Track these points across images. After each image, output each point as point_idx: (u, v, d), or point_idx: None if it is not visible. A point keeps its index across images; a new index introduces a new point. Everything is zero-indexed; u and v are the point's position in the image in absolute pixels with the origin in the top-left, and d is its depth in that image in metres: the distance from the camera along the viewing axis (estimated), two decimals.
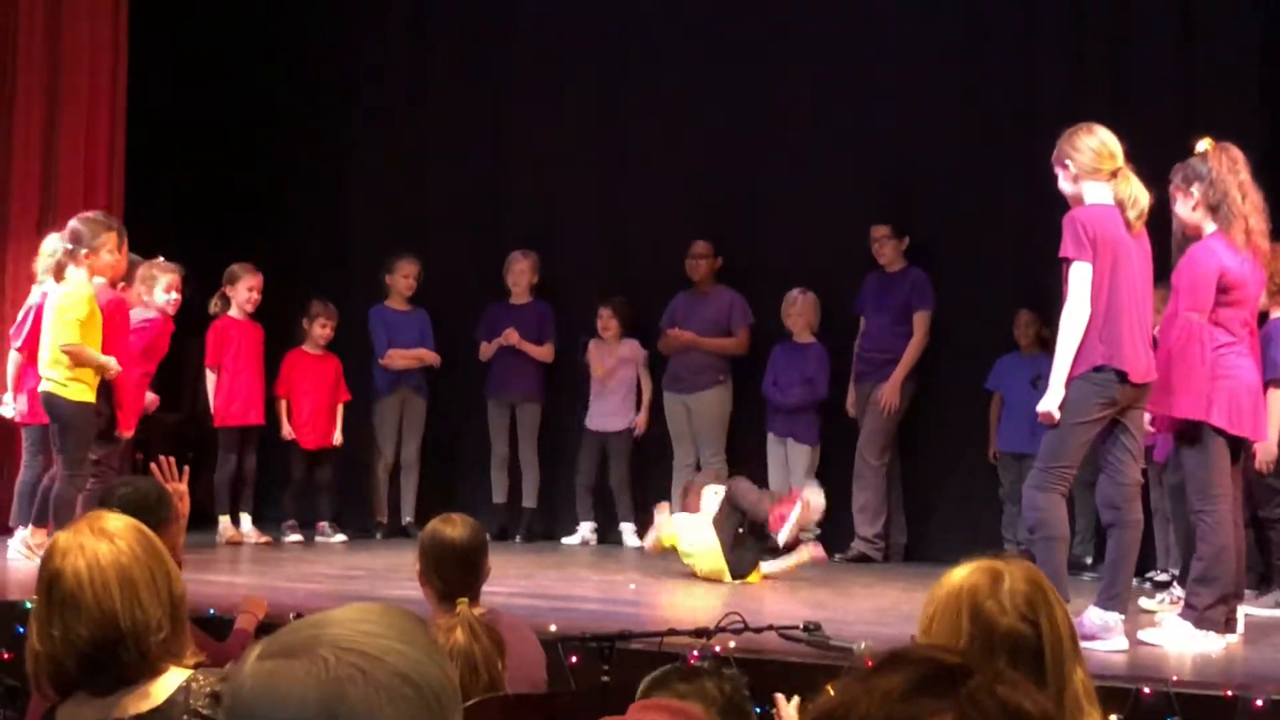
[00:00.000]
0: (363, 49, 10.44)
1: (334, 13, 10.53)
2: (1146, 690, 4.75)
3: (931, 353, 8.91)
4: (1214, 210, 5.83)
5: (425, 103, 10.36)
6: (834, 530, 8.99)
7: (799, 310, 9.16)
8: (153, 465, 4.72)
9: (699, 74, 9.55)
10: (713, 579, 7.53)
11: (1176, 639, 5.68)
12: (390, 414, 9.69)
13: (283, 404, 9.37)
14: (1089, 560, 8.13)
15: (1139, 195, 5.69)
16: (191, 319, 8.94)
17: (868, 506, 8.84)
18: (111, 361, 7.26)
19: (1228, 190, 5.79)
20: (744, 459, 9.23)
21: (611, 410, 9.53)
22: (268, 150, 10.35)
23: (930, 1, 9.21)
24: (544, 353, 9.67)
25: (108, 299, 7.33)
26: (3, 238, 8.90)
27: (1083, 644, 2.65)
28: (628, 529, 9.42)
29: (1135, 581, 6.61)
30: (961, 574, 2.45)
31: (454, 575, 4.27)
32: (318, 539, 9.26)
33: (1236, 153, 5.87)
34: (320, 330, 9.44)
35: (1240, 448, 6.01)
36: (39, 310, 7.49)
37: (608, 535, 9.51)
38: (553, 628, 5.27)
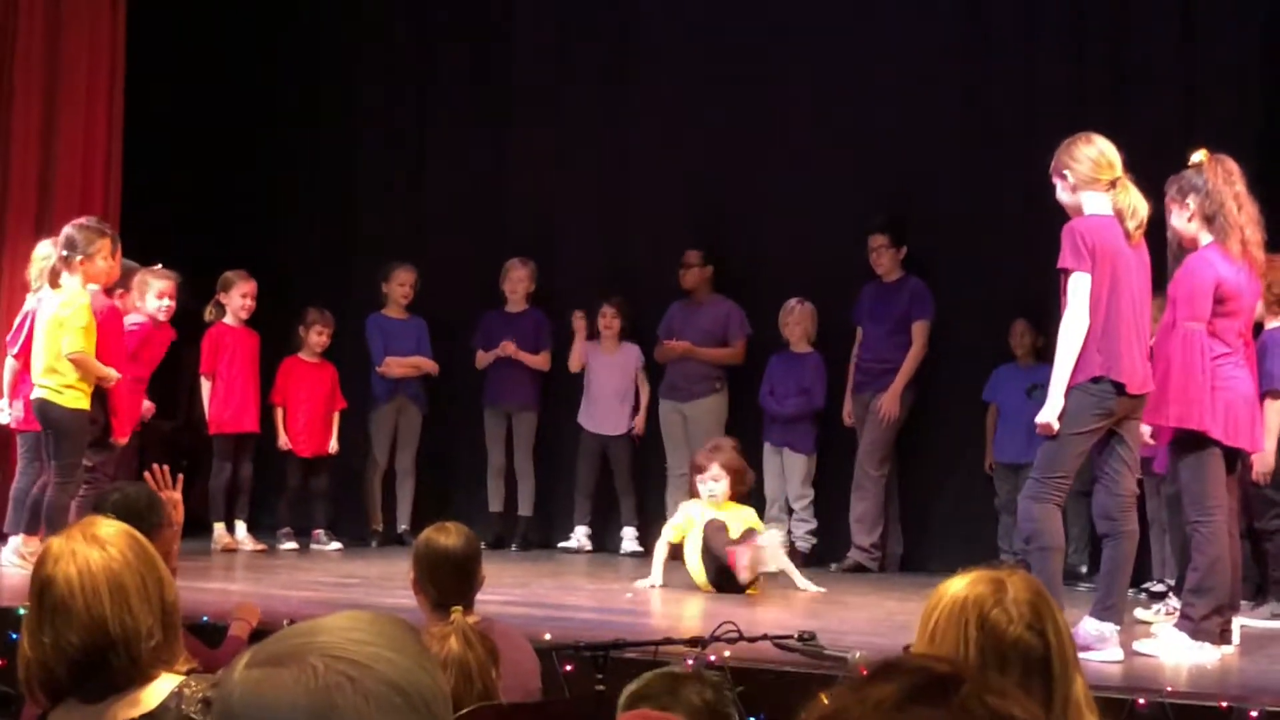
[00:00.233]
0: (362, 55, 10.43)
1: (334, 17, 10.52)
2: (1141, 701, 4.74)
3: (928, 363, 8.90)
4: (1210, 221, 5.83)
5: (424, 109, 10.36)
6: (830, 540, 9.00)
7: (796, 319, 9.15)
8: (146, 474, 4.71)
9: (697, 80, 9.56)
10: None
11: (1172, 650, 5.68)
12: (386, 422, 9.68)
13: (279, 412, 9.36)
14: (1084, 570, 8.12)
15: (1138, 205, 5.69)
16: (187, 326, 8.93)
17: (866, 516, 8.83)
18: (113, 372, 7.28)
19: (1224, 201, 5.80)
20: None
21: (609, 414, 9.51)
22: (266, 156, 10.35)
23: (930, 4, 9.21)
24: (540, 362, 9.66)
25: (102, 306, 7.33)
26: None
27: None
28: (629, 534, 9.41)
29: (1131, 592, 6.61)
30: (962, 584, 2.43)
31: (448, 583, 4.27)
32: (313, 547, 9.25)
33: (1232, 164, 5.88)
34: (316, 338, 9.43)
35: (1236, 459, 6.01)
36: (34, 317, 7.49)
37: (604, 541, 9.49)
38: (547, 636, 5.26)
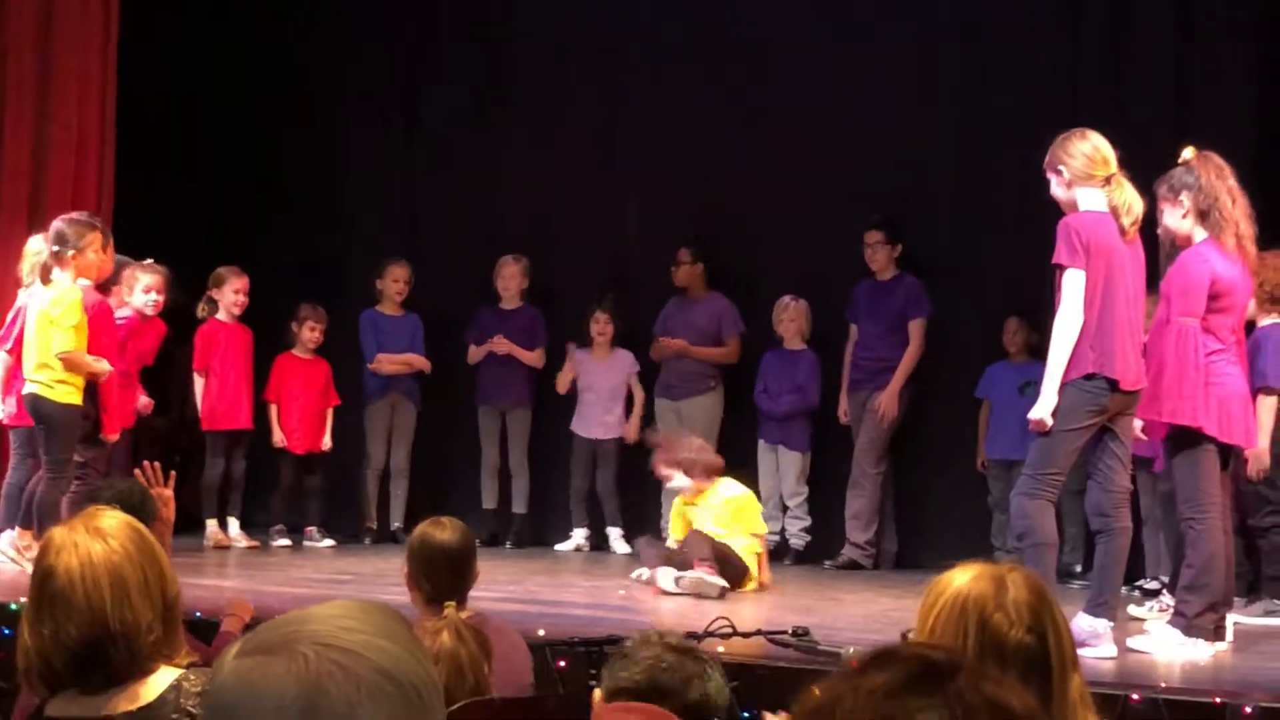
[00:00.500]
0: (358, 50, 10.41)
1: (328, 12, 10.50)
2: (1135, 697, 4.74)
3: (922, 360, 8.90)
4: (1204, 217, 5.83)
5: (419, 105, 10.35)
6: (825, 537, 9.00)
7: (790, 317, 9.15)
8: (137, 470, 4.70)
9: (693, 75, 9.55)
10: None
11: (1165, 646, 5.68)
12: (380, 419, 9.66)
13: (273, 408, 9.35)
14: (1078, 568, 8.13)
15: (1133, 202, 5.68)
16: (180, 323, 8.92)
17: (861, 514, 8.83)
18: (105, 366, 7.26)
19: (1218, 196, 5.79)
20: (735, 466, 9.21)
21: (601, 419, 9.51)
22: (258, 151, 10.33)
23: (926, 6, 9.20)
24: (535, 358, 9.65)
25: (92, 301, 7.31)
26: None
27: None
28: (614, 534, 9.41)
29: (1125, 589, 6.61)
30: (964, 580, 2.43)
31: (443, 579, 4.26)
32: (306, 544, 9.24)
33: (1220, 159, 5.88)
34: (309, 333, 9.42)
35: (1230, 455, 6.01)
36: (26, 313, 7.47)
37: (601, 542, 9.49)
38: (541, 632, 5.27)
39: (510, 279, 9.67)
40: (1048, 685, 2.33)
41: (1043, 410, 5.64)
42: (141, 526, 2.69)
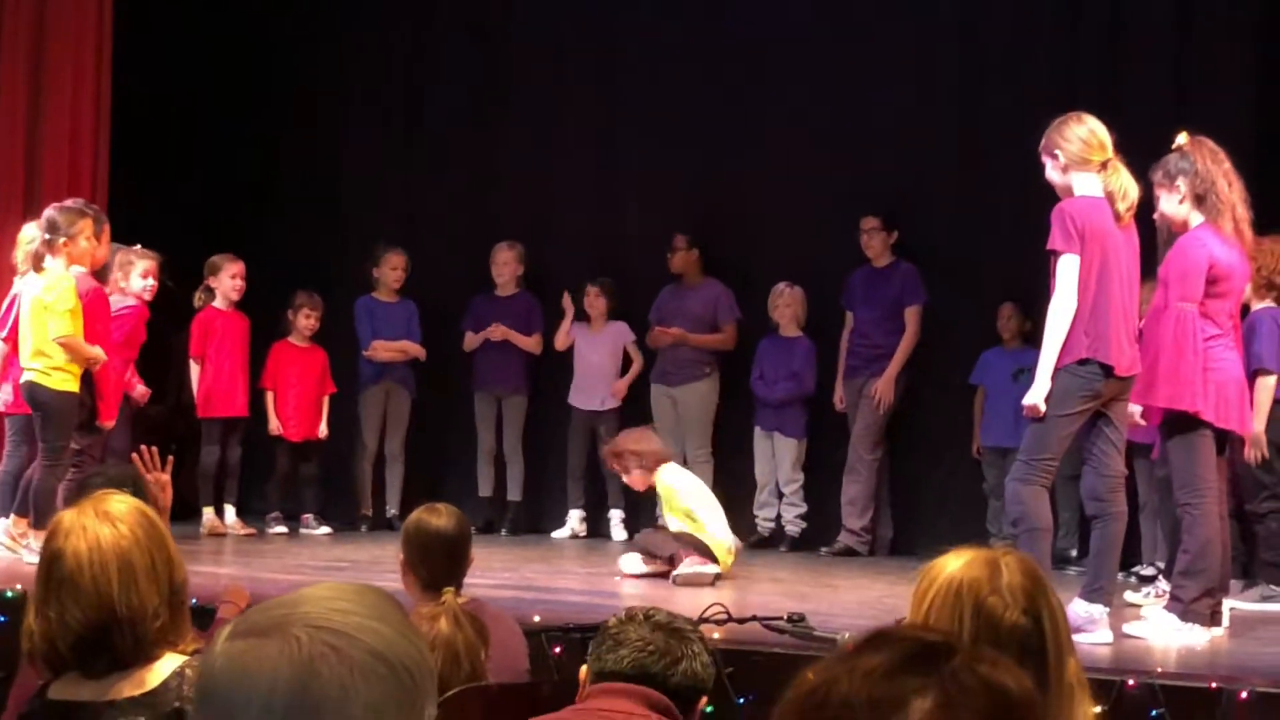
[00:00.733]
0: (355, 39, 10.38)
1: (327, 10, 10.46)
2: (1131, 682, 4.75)
3: (917, 347, 8.90)
4: (1201, 201, 5.82)
5: (416, 94, 10.32)
6: (820, 524, 9.01)
7: (786, 303, 9.14)
8: (134, 455, 4.70)
9: (690, 65, 9.52)
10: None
11: (1161, 631, 5.68)
12: (375, 406, 9.65)
13: (269, 396, 9.34)
14: (1074, 554, 8.13)
15: (1129, 188, 5.67)
16: (175, 312, 8.90)
17: (857, 500, 8.84)
18: (100, 353, 7.25)
19: (1214, 180, 5.78)
20: (730, 452, 9.22)
21: (596, 391, 9.49)
22: (256, 140, 10.29)
23: (924, 6, 9.17)
24: (532, 344, 9.64)
25: (87, 288, 7.30)
26: None
27: None
28: (616, 516, 9.39)
29: (1121, 575, 6.61)
30: (958, 565, 2.42)
31: (438, 565, 4.26)
32: (302, 531, 9.23)
33: (1213, 144, 5.87)
34: (304, 321, 9.40)
35: (1226, 441, 6.01)
36: (20, 300, 7.46)
37: (597, 527, 9.48)
38: (537, 618, 5.27)
39: (505, 265, 9.66)
40: (1043, 669, 2.33)
41: (1037, 396, 5.64)
42: (151, 512, 2.70)
